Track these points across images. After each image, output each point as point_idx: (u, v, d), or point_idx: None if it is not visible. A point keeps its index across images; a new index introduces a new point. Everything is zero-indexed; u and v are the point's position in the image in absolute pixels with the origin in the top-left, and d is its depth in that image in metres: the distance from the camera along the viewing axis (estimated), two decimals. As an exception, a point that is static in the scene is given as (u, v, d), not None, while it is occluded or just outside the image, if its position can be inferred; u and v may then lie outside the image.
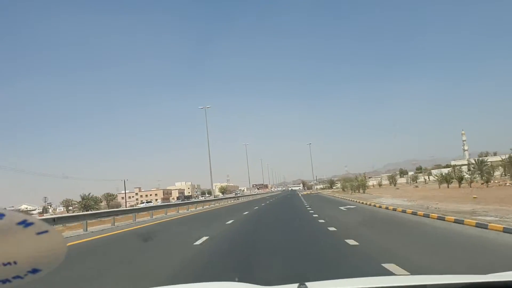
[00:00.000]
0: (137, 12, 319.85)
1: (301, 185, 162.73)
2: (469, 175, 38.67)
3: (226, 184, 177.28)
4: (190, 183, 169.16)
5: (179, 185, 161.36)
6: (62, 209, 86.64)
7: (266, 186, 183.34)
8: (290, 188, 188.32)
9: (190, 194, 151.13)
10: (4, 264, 0.87)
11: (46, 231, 0.87)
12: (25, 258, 0.88)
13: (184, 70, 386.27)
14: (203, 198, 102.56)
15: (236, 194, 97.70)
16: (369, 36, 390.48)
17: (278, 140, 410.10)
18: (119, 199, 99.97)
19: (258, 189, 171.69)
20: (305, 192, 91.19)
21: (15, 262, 0.88)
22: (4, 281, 0.89)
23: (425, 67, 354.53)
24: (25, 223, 0.84)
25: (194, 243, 9.39)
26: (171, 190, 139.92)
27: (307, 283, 1.81)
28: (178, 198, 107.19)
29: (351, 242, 7.99)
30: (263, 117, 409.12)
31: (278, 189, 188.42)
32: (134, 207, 43.07)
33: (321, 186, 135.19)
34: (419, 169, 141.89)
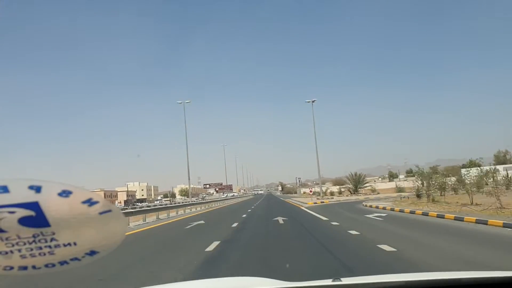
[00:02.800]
0: (108, 13, 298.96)
1: (280, 186, 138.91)
2: None
3: (193, 186, 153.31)
4: (145, 184, 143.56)
5: (131, 186, 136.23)
6: None
7: (230, 188, 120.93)
8: (254, 192, 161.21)
9: (145, 197, 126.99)
10: (65, 245, 0.87)
11: (109, 211, 0.86)
12: (85, 239, 0.87)
13: (154, 70, 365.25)
14: (158, 202, 79.54)
15: (203, 198, 76.54)
16: (344, 41, 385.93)
17: (252, 143, 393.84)
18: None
19: (216, 191, 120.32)
20: (310, 202, 35.76)
21: (75, 243, 0.87)
22: (62, 263, 0.90)
23: (398, 74, 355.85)
24: (90, 202, 0.83)
25: None
26: (117, 192, 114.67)
27: (342, 278, 1.80)
28: (126, 203, 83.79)
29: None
30: (240, 119, 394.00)
31: (239, 193, 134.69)
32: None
33: (309, 189, 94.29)
34: (409, 172, 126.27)
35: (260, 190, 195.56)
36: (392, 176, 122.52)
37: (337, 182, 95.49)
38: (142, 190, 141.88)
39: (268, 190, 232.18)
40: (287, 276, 6.39)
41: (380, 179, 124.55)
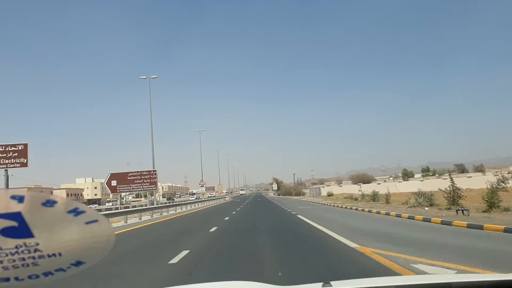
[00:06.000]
0: (95, 7, 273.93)
1: (274, 184, 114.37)
2: None
3: (180, 185, 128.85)
4: (100, 181, 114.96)
5: (81, 183, 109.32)
6: None
7: (151, 182, 37.31)
8: (240, 192, 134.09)
9: (98, 197, 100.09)
10: (49, 256, 0.84)
11: (96, 221, 0.84)
12: (70, 249, 0.84)
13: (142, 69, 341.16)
14: (110, 204, 53.72)
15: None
16: (337, 44, 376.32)
17: (244, 144, 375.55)
18: None
19: (117, 190, 41.30)
20: None
21: (60, 254, 0.84)
22: (47, 274, 0.87)
23: (390, 79, 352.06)
24: (76, 212, 0.81)
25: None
26: (53, 189, 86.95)
27: (331, 282, 1.81)
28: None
29: None
30: (231, 120, 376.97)
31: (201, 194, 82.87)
32: None
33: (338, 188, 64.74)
34: (426, 170, 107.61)
35: (241, 190, 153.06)
36: (407, 175, 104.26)
37: (352, 180, 74.26)
38: (96, 188, 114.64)
39: (258, 190, 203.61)
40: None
41: (391, 178, 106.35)
